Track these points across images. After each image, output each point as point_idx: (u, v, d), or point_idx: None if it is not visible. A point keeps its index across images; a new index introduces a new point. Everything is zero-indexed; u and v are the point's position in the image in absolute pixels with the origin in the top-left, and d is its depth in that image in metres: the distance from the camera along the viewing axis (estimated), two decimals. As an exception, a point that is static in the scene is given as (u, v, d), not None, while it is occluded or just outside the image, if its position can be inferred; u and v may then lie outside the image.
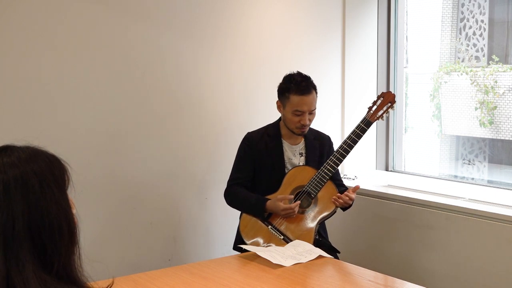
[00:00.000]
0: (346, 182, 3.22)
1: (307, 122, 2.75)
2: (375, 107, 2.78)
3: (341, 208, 2.83)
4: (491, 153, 3.66)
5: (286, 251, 2.44)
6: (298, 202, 2.69)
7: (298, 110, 2.73)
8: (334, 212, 2.76)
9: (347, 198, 2.69)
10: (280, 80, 2.83)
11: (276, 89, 2.83)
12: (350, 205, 2.79)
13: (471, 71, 3.55)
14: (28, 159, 1.12)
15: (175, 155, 3.17)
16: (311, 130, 2.91)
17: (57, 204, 1.11)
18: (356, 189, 2.76)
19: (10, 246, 1.06)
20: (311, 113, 2.76)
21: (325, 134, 2.97)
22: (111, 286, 1.18)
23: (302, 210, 2.73)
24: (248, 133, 2.91)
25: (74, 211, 1.17)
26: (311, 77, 2.81)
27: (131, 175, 3.03)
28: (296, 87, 2.72)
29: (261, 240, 2.71)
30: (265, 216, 2.73)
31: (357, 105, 3.74)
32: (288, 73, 2.81)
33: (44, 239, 1.08)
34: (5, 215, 1.07)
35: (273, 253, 2.41)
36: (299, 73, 2.80)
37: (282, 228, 2.71)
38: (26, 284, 1.04)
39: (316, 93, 2.78)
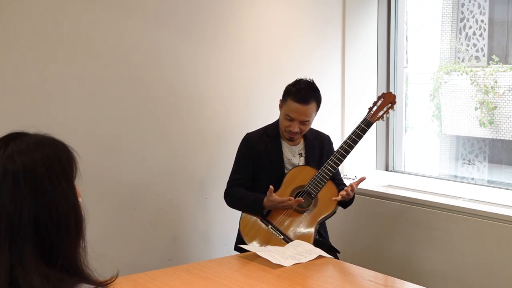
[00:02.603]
0: (346, 182, 3.21)
1: (296, 130, 2.73)
2: (375, 107, 2.78)
3: (342, 206, 2.83)
4: (491, 153, 3.66)
5: (286, 251, 2.44)
6: (299, 198, 2.68)
7: (289, 115, 2.73)
8: (334, 212, 2.76)
9: (350, 188, 2.70)
10: (280, 80, 2.83)
11: (276, 89, 2.84)
12: (351, 201, 2.80)
13: (471, 71, 3.55)
14: (36, 148, 1.11)
15: (175, 155, 3.17)
16: (311, 130, 2.91)
17: (65, 198, 1.11)
18: (361, 180, 2.76)
19: (15, 239, 1.06)
20: (304, 123, 2.75)
21: (324, 134, 2.97)
22: (115, 279, 1.19)
23: (302, 210, 2.73)
24: (247, 134, 2.91)
25: (80, 199, 1.16)
26: (311, 77, 2.81)
27: (131, 175, 3.03)
28: (296, 94, 2.71)
29: (261, 240, 2.71)
30: (265, 213, 2.73)
31: (357, 105, 3.74)
32: (302, 77, 2.80)
33: (50, 233, 1.09)
34: (12, 208, 1.07)
35: (273, 253, 2.41)
36: (308, 82, 2.77)
37: (282, 228, 2.71)
38: (28, 279, 1.05)
39: (318, 106, 2.77)
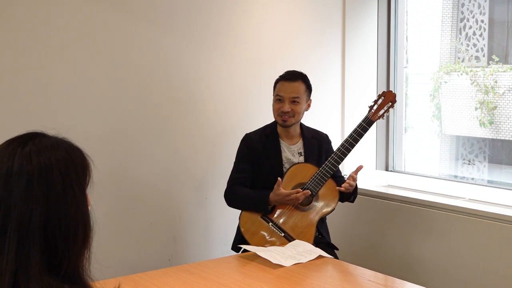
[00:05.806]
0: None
1: (287, 109, 2.75)
2: (376, 106, 2.79)
3: (348, 199, 2.81)
4: (491, 153, 3.66)
5: (286, 251, 2.44)
6: (306, 191, 2.67)
7: (278, 95, 2.79)
8: (333, 209, 2.76)
9: (351, 179, 2.71)
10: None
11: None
12: (355, 192, 2.80)
13: (471, 71, 3.55)
14: (53, 150, 1.11)
15: (175, 155, 3.17)
16: (309, 129, 2.92)
17: (76, 205, 1.10)
18: (360, 168, 2.76)
19: (23, 242, 1.05)
20: (294, 102, 2.76)
21: (323, 133, 2.98)
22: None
23: (303, 207, 2.73)
24: (246, 134, 2.92)
25: (89, 207, 1.15)
26: (311, 77, 2.81)
27: (131, 175, 3.03)
28: (282, 75, 2.83)
29: (261, 237, 2.71)
30: (269, 209, 2.72)
31: (357, 105, 3.74)
32: None
33: (57, 241, 1.07)
34: (23, 211, 1.05)
35: (273, 253, 2.41)
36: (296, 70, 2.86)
37: (282, 225, 2.71)
38: (29, 286, 1.03)
39: (307, 87, 2.81)
